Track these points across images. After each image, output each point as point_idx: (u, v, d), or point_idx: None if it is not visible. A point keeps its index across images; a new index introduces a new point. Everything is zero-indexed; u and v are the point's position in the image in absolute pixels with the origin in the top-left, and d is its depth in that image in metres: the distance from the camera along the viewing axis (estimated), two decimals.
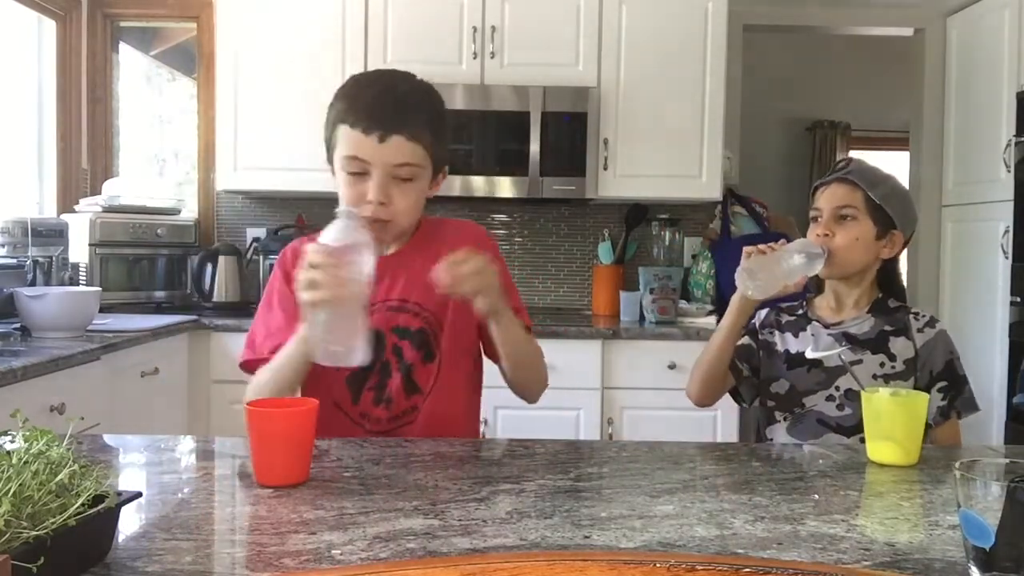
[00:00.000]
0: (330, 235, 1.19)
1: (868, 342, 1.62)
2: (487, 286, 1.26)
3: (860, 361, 1.61)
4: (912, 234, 1.69)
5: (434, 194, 1.43)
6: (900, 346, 1.62)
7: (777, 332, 1.71)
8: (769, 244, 1.59)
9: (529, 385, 1.48)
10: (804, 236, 1.67)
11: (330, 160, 1.41)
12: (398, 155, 1.32)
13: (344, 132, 1.34)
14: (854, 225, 1.62)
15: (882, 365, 1.60)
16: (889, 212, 1.62)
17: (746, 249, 1.60)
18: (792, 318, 1.72)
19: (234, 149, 3.18)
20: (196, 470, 1.17)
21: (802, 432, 1.62)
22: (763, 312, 1.74)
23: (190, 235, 3.44)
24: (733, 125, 3.68)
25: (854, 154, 6.56)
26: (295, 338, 1.30)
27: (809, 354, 1.64)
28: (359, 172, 1.33)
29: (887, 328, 1.63)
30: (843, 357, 1.60)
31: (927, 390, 1.59)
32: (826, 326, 1.67)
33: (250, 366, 1.41)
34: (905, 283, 4.47)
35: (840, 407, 1.60)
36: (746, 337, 1.72)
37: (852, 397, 1.58)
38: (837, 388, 1.60)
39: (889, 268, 1.71)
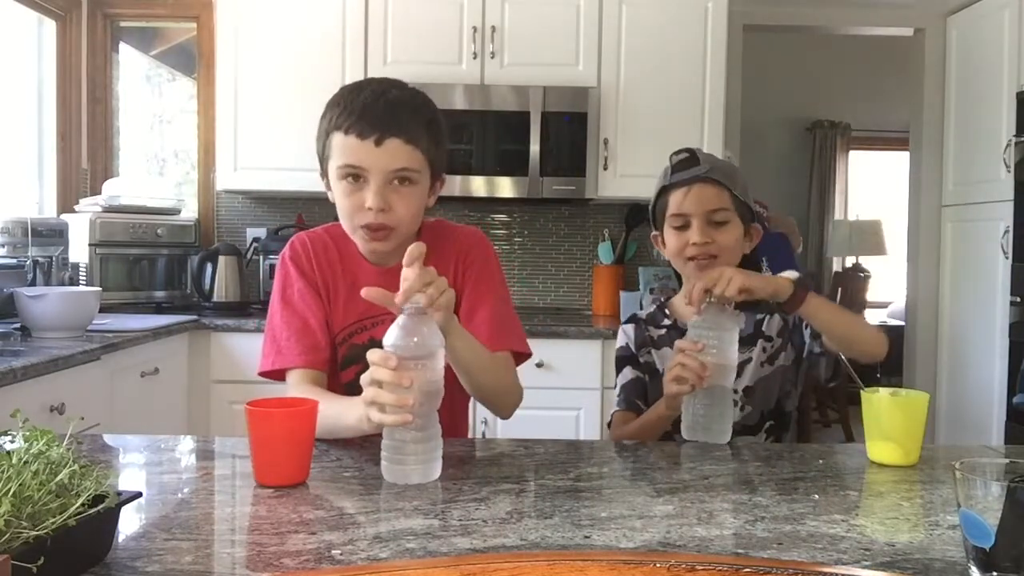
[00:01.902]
0: (394, 336, 1.07)
1: (749, 337, 1.54)
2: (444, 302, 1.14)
3: (749, 359, 1.53)
4: None
5: (432, 203, 1.41)
6: (775, 324, 1.57)
7: (654, 351, 1.61)
8: (683, 365, 1.35)
9: (494, 395, 1.37)
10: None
11: (324, 174, 1.39)
12: (395, 160, 1.30)
13: (338, 140, 1.31)
14: (730, 228, 1.52)
15: (764, 350, 1.55)
16: (750, 207, 1.56)
17: (676, 402, 1.39)
18: (662, 331, 1.62)
19: (234, 149, 3.18)
20: (196, 470, 1.17)
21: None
22: (631, 331, 1.64)
23: (190, 235, 3.44)
24: (733, 125, 3.68)
25: (854, 154, 6.56)
26: (353, 409, 1.15)
27: None
28: (356, 180, 1.31)
29: (759, 316, 1.57)
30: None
31: (800, 338, 1.56)
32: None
33: (278, 375, 1.38)
34: (905, 284, 4.42)
35: (741, 407, 1.52)
36: (632, 370, 1.61)
37: (750, 394, 1.52)
38: (735, 390, 1.50)
39: (752, 261, 1.61)
